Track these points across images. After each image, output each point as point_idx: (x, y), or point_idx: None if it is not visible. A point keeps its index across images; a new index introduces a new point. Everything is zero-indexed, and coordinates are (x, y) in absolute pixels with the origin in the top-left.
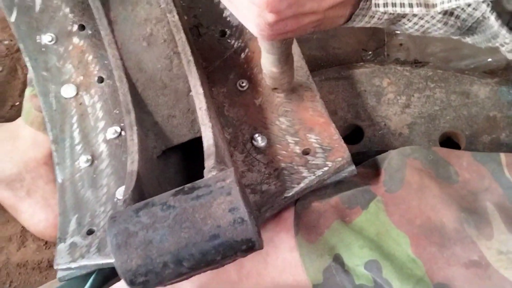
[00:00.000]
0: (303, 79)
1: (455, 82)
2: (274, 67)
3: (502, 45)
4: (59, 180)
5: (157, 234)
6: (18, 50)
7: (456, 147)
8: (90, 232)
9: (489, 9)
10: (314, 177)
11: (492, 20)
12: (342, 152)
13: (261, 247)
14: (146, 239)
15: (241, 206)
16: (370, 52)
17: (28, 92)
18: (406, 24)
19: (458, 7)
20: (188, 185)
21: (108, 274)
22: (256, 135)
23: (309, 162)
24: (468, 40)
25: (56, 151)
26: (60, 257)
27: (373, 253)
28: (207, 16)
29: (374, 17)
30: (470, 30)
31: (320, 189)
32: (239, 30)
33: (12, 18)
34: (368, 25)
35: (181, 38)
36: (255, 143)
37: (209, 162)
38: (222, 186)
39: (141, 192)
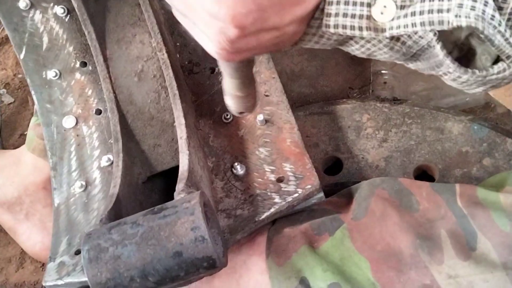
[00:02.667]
0: (283, 112)
1: (430, 118)
2: (239, 91)
3: (446, 74)
4: (55, 204)
5: (126, 250)
6: None
7: (430, 180)
8: (78, 252)
9: (435, 38)
10: (284, 203)
11: (438, 49)
12: (312, 180)
13: (223, 265)
14: (115, 254)
15: (202, 225)
16: (356, 90)
17: (33, 121)
18: (353, 46)
19: (405, 33)
20: (158, 206)
21: None
22: (236, 163)
23: (282, 189)
24: (411, 66)
25: (54, 177)
26: (48, 274)
27: (336, 276)
28: (199, 54)
29: (323, 37)
30: (414, 56)
31: (293, 216)
32: None
33: (21, 56)
34: (317, 46)
35: (169, 74)
36: (234, 171)
37: (179, 185)
38: (187, 207)
39: (118, 213)
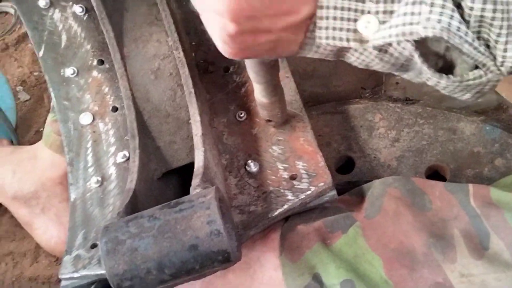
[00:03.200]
0: (297, 111)
1: (442, 119)
2: (264, 98)
3: (428, 80)
4: (72, 198)
5: (143, 242)
6: (45, 81)
7: (442, 180)
8: (93, 246)
9: (413, 48)
10: (297, 200)
11: (416, 58)
12: (325, 178)
13: (237, 260)
14: (133, 247)
15: (218, 219)
16: (368, 90)
17: (50, 117)
18: (350, 58)
19: (391, 45)
20: (174, 200)
21: (107, 284)
22: (250, 161)
23: (295, 186)
24: (405, 76)
25: (71, 173)
26: (64, 267)
27: (349, 274)
28: (213, 53)
29: (320, 47)
30: (403, 67)
31: (306, 213)
32: (241, 67)
33: (41, 53)
34: (317, 56)
35: (184, 72)
36: (248, 168)
37: (195, 181)
38: (203, 201)
39: (134, 207)
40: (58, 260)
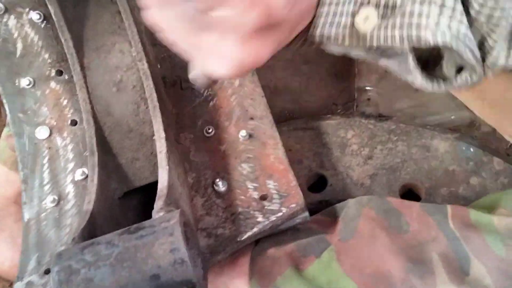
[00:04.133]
0: (267, 127)
1: (416, 136)
2: None
3: (412, 83)
4: (25, 219)
5: (99, 272)
6: None
7: (416, 199)
8: (47, 271)
9: (409, 50)
10: (268, 222)
11: (410, 60)
12: (297, 199)
13: None
14: (88, 277)
15: (182, 247)
16: (340, 106)
17: (5, 132)
18: (333, 46)
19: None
20: (135, 225)
21: None
22: (218, 179)
23: (265, 207)
24: (382, 62)
25: (25, 191)
26: None
27: None
28: (181, 66)
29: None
30: (386, 56)
31: (277, 236)
32: None
33: None
34: (302, 49)
35: (149, 85)
36: (216, 187)
37: (158, 203)
38: (166, 227)
39: (92, 231)
40: (12, 285)
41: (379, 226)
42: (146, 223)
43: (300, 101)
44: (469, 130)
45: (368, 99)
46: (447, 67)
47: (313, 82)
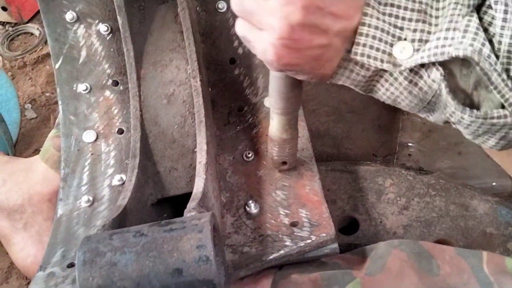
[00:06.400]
0: (307, 160)
1: (455, 193)
2: (284, 132)
3: (451, 116)
4: (58, 214)
5: (124, 257)
6: (55, 102)
7: None
8: (71, 265)
9: (442, 78)
10: (295, 246)
11: (443, 89)
12: (328, 229)
13: None
14: (112, 260)
15: (209, 245)
16: (380, 158)
17: (52, 133)
18: (379, 91)
19: (422, 78)
20: (166, 220)
21: None
22: (251, 201)
23: (294, 233)
24: (431, 118)
25: (63, 188)
26: (35, 283)
27: None
28: (229, 91)
29: (353, 72)
30: (430, 105)
31: (303, 264)
32: (256, 108)
33: (57, 65)
34: (348, 83)
35: (198, 101)
36: (248, 209)
37: (191, 204)
38: (196, 224)
39: (122, 224)
40: (28, 285)
41: (409, 266)
42: (177, 219)
43: (341, 147)
44: (510, 199)
45: (409, 155)
46: (485, 107)
47: (356, 131)
